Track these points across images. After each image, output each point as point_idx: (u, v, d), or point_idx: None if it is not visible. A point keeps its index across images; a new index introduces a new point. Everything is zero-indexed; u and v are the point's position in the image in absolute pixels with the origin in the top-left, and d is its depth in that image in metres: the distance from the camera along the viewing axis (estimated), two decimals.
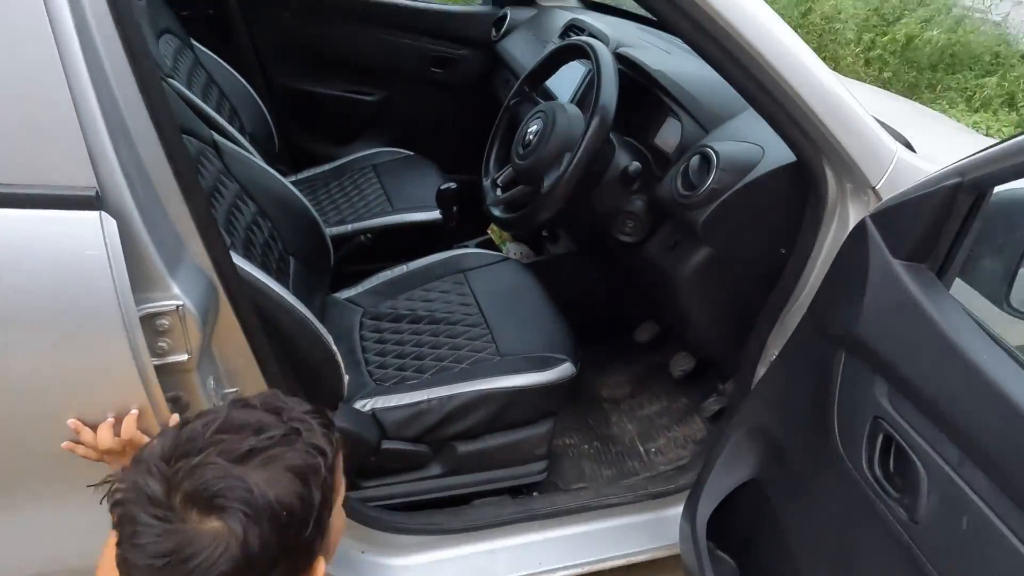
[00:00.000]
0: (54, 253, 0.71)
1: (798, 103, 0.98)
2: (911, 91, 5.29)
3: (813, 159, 1.07)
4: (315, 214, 1.48)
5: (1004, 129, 4.97)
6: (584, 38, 1.32)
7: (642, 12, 1.95)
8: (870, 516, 0.82)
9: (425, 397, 1.27)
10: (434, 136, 2.24)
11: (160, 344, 0.81)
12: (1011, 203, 0.82)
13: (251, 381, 0.97)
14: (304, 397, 1.12)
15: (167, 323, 0.80)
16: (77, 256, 0.71)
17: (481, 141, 2.34)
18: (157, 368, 0.80)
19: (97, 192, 0.71)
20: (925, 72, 5.57)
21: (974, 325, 0.75)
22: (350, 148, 2.21)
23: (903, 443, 0.77)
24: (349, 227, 1.80)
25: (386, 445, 1.25)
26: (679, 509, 1.44)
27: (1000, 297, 0.84)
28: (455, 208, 1.74)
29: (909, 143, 1.13)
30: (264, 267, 1.23)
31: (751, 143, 1.16)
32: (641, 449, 1.64)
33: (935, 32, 5.61)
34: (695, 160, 1.16)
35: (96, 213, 0.71)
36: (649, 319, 1.85)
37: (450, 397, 1.26)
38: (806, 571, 0.93)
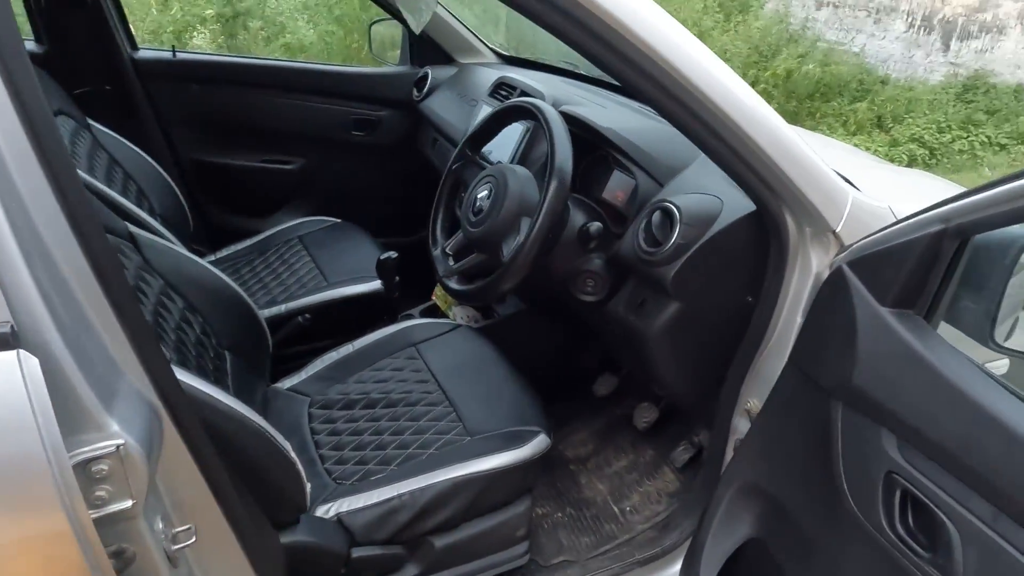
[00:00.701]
0: None
1: (758, 154, 0.98)
2: (794, 120, 5.72)
3: (773, 207, 1.06)
4: (249, 301, 1.36)
5: (879, 149, 5.42)
6: (528, 99, 1.30)
7: (561, 66, 1.97)
8: None
9: (395, 493, 1.15)
10: (360, 201, 2.16)
11: (98, 494, 0.68)
12: (986, 243, 0.83)
13: (204, 511, 0.84)
14: (263, 515, 1.00)
15: (105, 468, 0.67)
16: None
17: (409, 202, 2.28)
18: (96, 522, 0.67)
19: (12, 328, 0.59)
20: (805, 102, 6.05)
21: (978, 371, 0.74)
22: (272, 220, 2.09)
23: (925, 500, 0.75)
24: (283, 308, 1.67)
25: (357, 553, 1.12)
26: (669, 571, 1.39)
27: (985, 336, 0.84)
28: (397, 278, 1.65)
29: (850, 180, 1.15)
30: (201, 370, 1.10)
31: (709, 194, 1.15)
32: (615, 509, 1.58)
33: (810, 65, 6.11)
34: (656, 216, 1.14)
35: (12, 353, 0.58)
36: (606, 372, 1.81)
37: (423, 489, 1.16)
38: None
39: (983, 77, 6.17)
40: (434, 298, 1.80)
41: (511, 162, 1.47)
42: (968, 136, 5.61)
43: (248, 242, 1.96)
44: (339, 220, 2.03)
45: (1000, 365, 1.24)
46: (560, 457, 1.72)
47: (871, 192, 1.13)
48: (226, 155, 2.04)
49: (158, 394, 0.75)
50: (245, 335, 1.34)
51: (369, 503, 1.15)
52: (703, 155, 1.25)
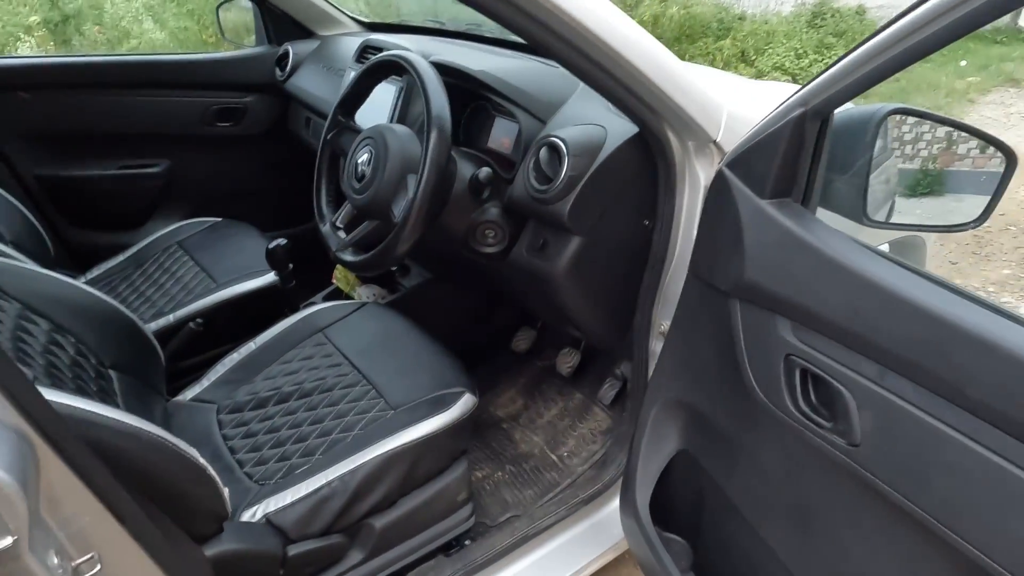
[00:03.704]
0: None
1: (635, 75, 0.98)
2: None
3: (655, 125, 1.07)
4: (127, 312, 1.24)
5: None
6: (395, 52, 1.24)
7: (426, 25, 1.91)
8: (809, 454, 0.81)
9: (324, 481, 1.10)
10: (239, 196, 2.03)
11: None
12: (848, 122, 0.86)
13: (107, 537, 0.76)
14: (181, 530, 0.92)
15: None
16: None
17: (291, 190, 2.16)
18: None
19: None
20: (673, 44, 6.25)
21: (855, 244, 0.77)
22: (145, 231, 1.93)
23: (820, 372, 0.78)
24: (171, 317, 1.54)
25: (293, 551, 1.06)
26: (613, 504, 1.41)
27: (859, 213, 0.88)
28: (291, 265, 1.56)
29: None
30: (82, 392, 1.00)
31: (591, 124, 1.14)
32: (554, 457, 1.59)
33: (673, 9, 6.30)
34: (544, 153, 1.13)
35: None
36: (523, 326, 1.81)
37: (352, 472, 1.11)
38: (764, 528, 0.91)
39: (828, 3, 6.60)
40: (334, 281, 1.72)
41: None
42: (823, 59, 5.97)
43: (121, 257, 1.80)
44: (220, 219, 1.90)
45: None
46: (491, 418, 1.71)
47: (744, 104, 1.16)
48: (77, 167, 1.85)
49: (25, 419, 0.66)
50: (129, 350, 1.23)
51: (297, 497, 1.09)
52: (579, 89, 1.26)
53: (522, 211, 1.21)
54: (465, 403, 1.23)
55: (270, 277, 1.62)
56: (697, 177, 1.12)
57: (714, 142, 1.08)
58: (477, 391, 1.28)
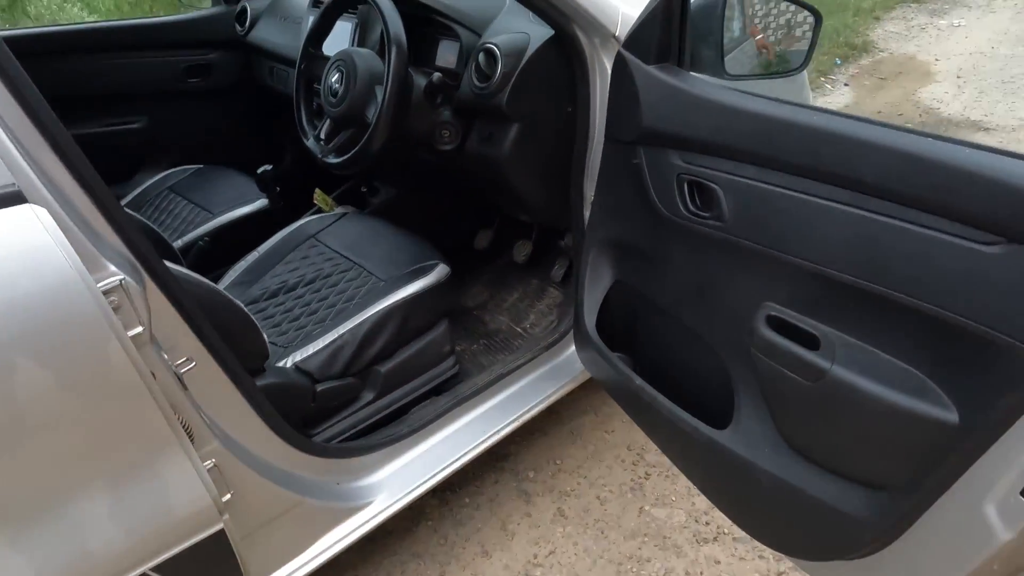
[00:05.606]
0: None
1: None
2: None
3: (566, 27, 1.36)
4: (152, 226, 1.49)
5: None
6: None
7: None
8: (699, 242, 1.13)
9: (337, 334, 1.39)
10: (216, 144, 2.25)
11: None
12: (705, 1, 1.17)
13: (195, 351, 1.04)
14: (235, 359, 1.20)
15: (116, 299, 0.86)
16: (24, 249, 0.75)
17: (263, 134, 2.40)
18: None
19: (18, 188, 0.76)
20: None
21: (718, 86, 1.09)
22: (134, 182, 2.14)
23: (700, 180, 1.10)
24: (179, 243, 1.79)
25: (320, 387, 1.36)
26: (569, 350, 1.74)
27: (720, 71, 1.20)
28: (278, 188, 1.82)
29: None
30: None
31: (518, 32, 1.43)
32: (519, 329, 1.91)
33: None
34: (482, 57, 1.41)
35: (27, 206, 0.76)
36: (481, 228, 2.10)
37: (358, 325, 1.41)
38: (677, 309, 1.23)
39: None
40: (316, 202, 1.98)
41: None
42: None
43: None
44: (202, 165, 2.13)
45: None
46: (463, 308, 2.01)
47: (636, 6, 1.46)
48: (65, 127, 2.04)
49: (131, 251, 0.93)
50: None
51: (317, 348, 1.38)
52: (507, 6, 1.54)
53: (470, 109, 1.50)
54: (440, 271, 1.53)
55: (260, 203, 1.87)
56: (605, 67, 1.42)
57: (615, 37, 1.38)
58: (448, 264, 1.58)
